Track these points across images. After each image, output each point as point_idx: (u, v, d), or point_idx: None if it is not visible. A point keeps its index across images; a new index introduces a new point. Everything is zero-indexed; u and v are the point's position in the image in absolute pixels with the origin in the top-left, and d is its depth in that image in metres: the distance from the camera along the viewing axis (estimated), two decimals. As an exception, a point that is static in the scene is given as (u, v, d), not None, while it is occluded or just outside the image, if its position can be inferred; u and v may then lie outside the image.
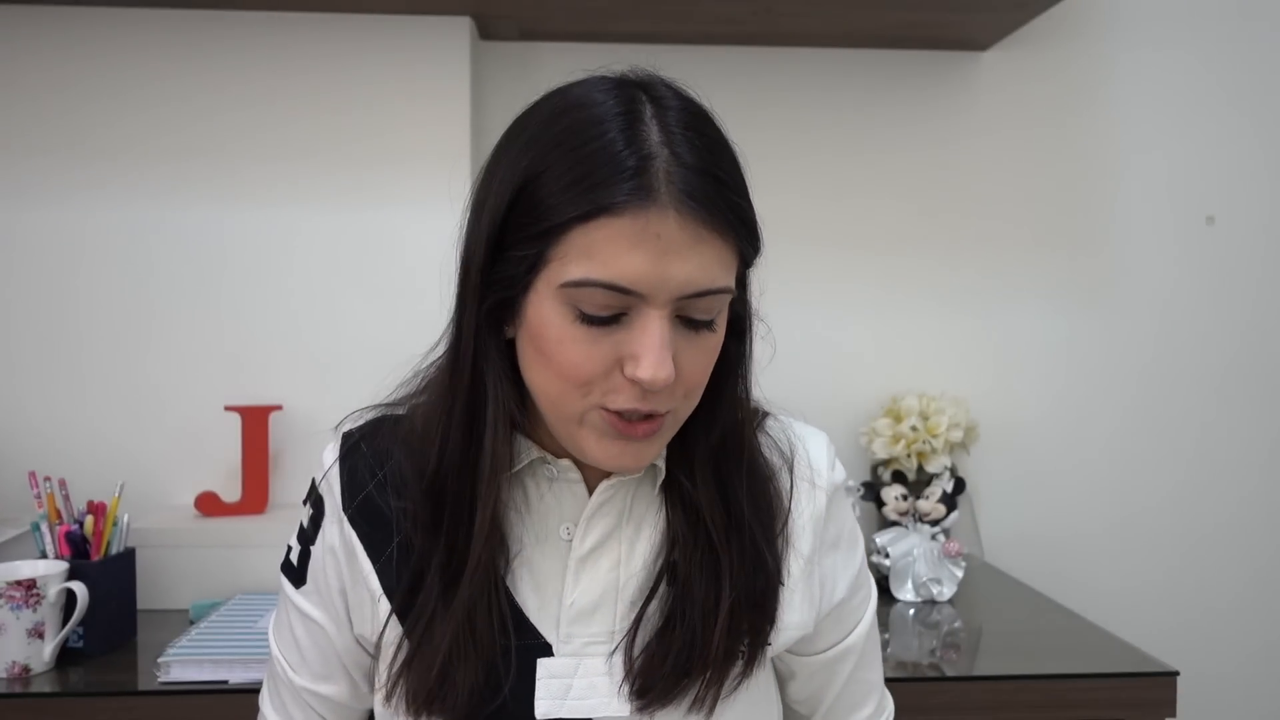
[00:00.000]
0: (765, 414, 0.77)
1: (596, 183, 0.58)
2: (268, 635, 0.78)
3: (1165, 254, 1.69)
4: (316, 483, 0.74)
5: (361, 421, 0.74)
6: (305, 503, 0.75)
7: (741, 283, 0.67)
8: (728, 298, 0.62)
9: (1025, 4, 1.43)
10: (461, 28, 1.50)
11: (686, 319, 0.61)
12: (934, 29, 1.55)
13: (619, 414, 0.61)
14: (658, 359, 0.58)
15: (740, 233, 0.61)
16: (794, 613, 0.72)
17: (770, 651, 0.71)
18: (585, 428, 0.63)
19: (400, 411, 0.73)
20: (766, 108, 1.63)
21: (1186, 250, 1.69)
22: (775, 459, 0.74)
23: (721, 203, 0.59)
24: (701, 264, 0.59)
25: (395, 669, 0.67)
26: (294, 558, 0.75)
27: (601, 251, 0.57)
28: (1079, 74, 1.67)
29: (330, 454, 0.73)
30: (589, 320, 0.59)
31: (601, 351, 0.60)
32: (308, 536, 0.74)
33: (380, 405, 0.75)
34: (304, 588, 0.73)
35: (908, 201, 1.65)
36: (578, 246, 0.58)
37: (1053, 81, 1.66)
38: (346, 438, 0.73)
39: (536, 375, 0.63)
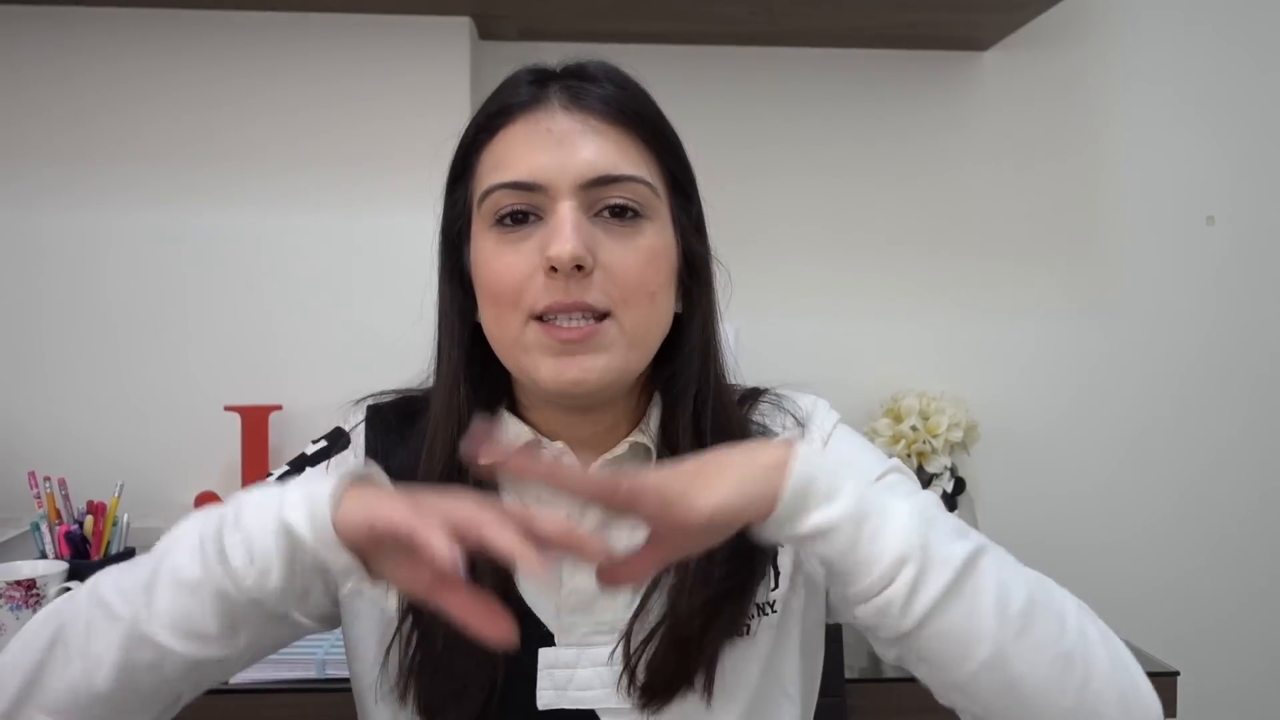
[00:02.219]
0: (760, 391, 0.75)
1: (497, 105, 0.66)
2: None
3: (1165, 254, 1.69)
4: (344, 427, 0.73)
5: (386, 400, 0.75)
6: (317, 440, 0.73)
7: (699, 227, 0.70)
8: (645, 190, 0.64)
9: (1026, 4, 1.43)
10: (461, 28, 1.50)
11: (609, 210, 0.63)
12: (934, 29, 1.55)
13: (552, 324, 0.62)
14: (565, 235, 0.60)
15: (642, 128, 0.64)
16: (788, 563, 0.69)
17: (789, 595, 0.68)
18: (529, 351, 0.63)
19: (419, 393, 0.73)
20: (766, 108, 1.63)
21: (1186, 250, 1.69)
22: (765, 433, 0.71)
23: (613, 99, 0.64)
24: (599, 150, 0.62)
25: (406, 668, 0.65)
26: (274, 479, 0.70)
27: (505, 158, 0.63)
28: (1079, 74, 1.67)
29: (356, 415, 0.73)
30: (505, 224, 0.63)
31: (523, 256, 0.62)
32: (304, 461, 0.71)
33: (400, 390, 0.75)
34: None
35: (908, 201, 1.65)
36: (488, 164, 0.65)
37: (1053, 81, 1.66)
38: (372, 408, 0.74)
39: (485, 315, 0.66)
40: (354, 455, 0.72)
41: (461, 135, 0.69)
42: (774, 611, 0.68)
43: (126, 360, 1.50)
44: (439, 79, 1.50)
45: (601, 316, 0.62)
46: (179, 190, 1.50)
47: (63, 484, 1.23)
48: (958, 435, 1.53)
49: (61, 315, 1.49)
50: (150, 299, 1.50)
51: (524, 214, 0.63)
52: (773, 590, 0.68)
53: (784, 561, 0.69)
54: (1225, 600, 1.70)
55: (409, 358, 0.74)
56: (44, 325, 1.49)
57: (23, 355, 1.49)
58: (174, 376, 1.50)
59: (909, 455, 1.52)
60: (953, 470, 1.53)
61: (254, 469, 1.43)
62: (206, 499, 1.41)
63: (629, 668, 0.65)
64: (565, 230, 0.60)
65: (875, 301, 1.65)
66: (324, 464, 0.72)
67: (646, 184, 0.64)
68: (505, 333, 0.64)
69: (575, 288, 0.61)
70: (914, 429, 1.53)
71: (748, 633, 0.67)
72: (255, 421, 1.44)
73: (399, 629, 0.66)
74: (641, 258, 0.63)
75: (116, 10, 1.48)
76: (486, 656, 0.62)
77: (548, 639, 0.67)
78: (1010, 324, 1.67)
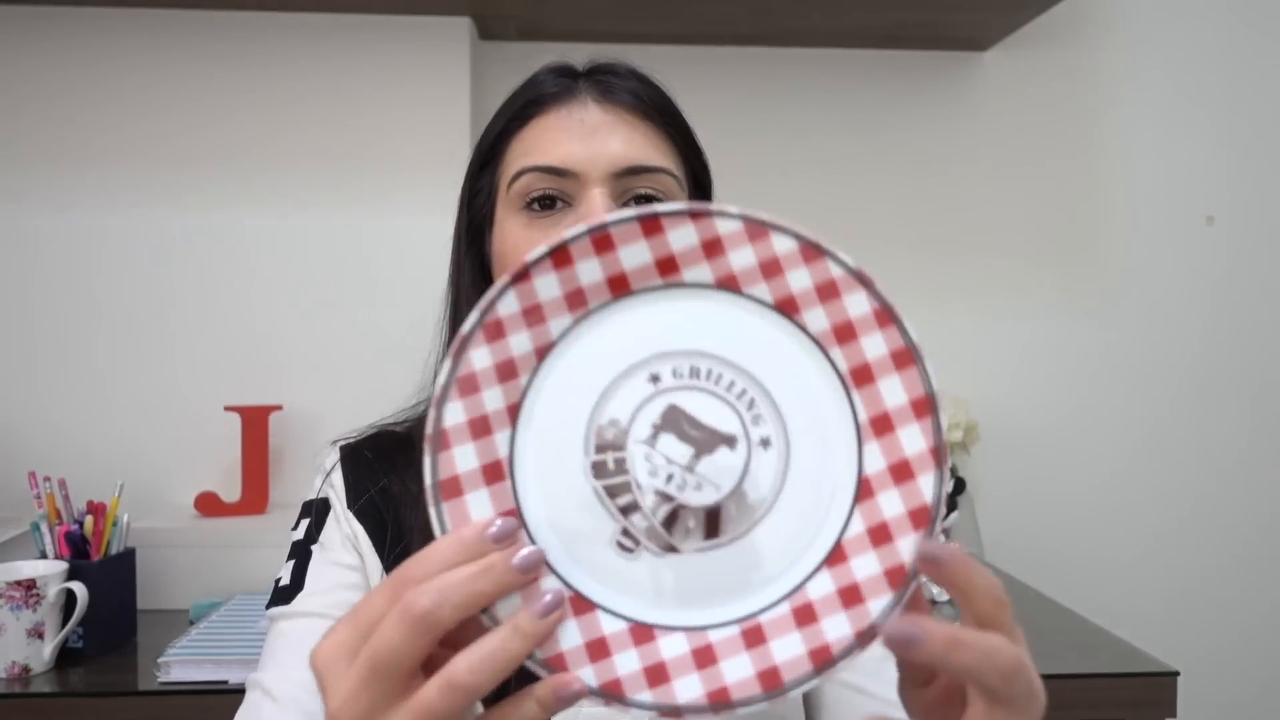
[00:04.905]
0: None
1: (529, 96, 0.67)
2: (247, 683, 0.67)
3: (1165, 254, 1.69)
4: (311, 497, 0.74)
5: (359, 436, 0.75)
6: (296, 525, 0.73)
7: None
8: (671, 182, 0.66)
9: (1026, 4, 1.43)
10: (461, 28, 1.50)
11: (636, 200, 0.65)
12: (934, 29, 1.55)
13: None
14: (596, 218, 0.62)
15: (669, 124, 0.67)
16: None
17: None
18: None
19: (398, 428, 0.73)
20: (766, 108, 1.63)
21: (1186, 251, 1.69)
22: None
23: (642, 94, 0.66)
24: (629, 141, 0.64)
25: None
26: (286, 578, 0.70)
27: (536, 144, 0.65)
28: (1079, 74, 1.67)
29: (331, 458, 0.74)
30: (534, 208, 0.64)
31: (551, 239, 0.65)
32: (304, 545, 0.72)
33: (376, 423, 0.75)
34: (302, 593, 0.69)
35: (908, 201, 1.65)
36: (517, 150, 0.66)
37: (1053, 81, 1.66)
38: (345, 446, 0.74)
39: None
40: (337, 500, 0.71)
41: (490, 123, 0.70)
42: None
43: (126, 360, 1.50)
44: (439, 79, 1.50)
45: None
46: (179, 190, 1.50)
47: (63, 484, 1.23)
48: (958, 435, 1.53)
49: (61, 315, 1.49)
50: (150, 299, 1.50)
51: (553, 199, 0.64)
52: None
53: None
54: (1225, 600, 1.70)
55: (409, 357, 0.74)
56: (44, 325, 1.49)
57: (22, 355, 1.49)
58: (174, 377, 1.50)
59: (909, 455, 1.52)
60: (953, 470, 1.53)
61: (254, 469, 1.43)
62: (206, 499, 1.41)
63: None
64: (597, 214, 0.61)
65: (875, 301, 1.65)
66: (319, 542, 0.71)
67: (674, 176, 0.66)
68: None
69: None
70: (914, 429, 1.53)
71: None
72: (255, 421, 1.44)
73: None
74: None
75: (115, 10, 1.48)
76: None
77: None
78: (1010, 324, 1.67)
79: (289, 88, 1.50)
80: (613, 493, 0.42)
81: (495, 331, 0.43)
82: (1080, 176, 1.68)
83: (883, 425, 0.43)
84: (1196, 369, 1.70)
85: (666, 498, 0.41)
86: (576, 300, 0.43)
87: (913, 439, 0.42)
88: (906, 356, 0.43)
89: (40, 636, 1.11)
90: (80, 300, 1.50)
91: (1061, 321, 1.68)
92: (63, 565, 1.16)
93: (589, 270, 0.43)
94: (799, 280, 0.43)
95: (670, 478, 0.42)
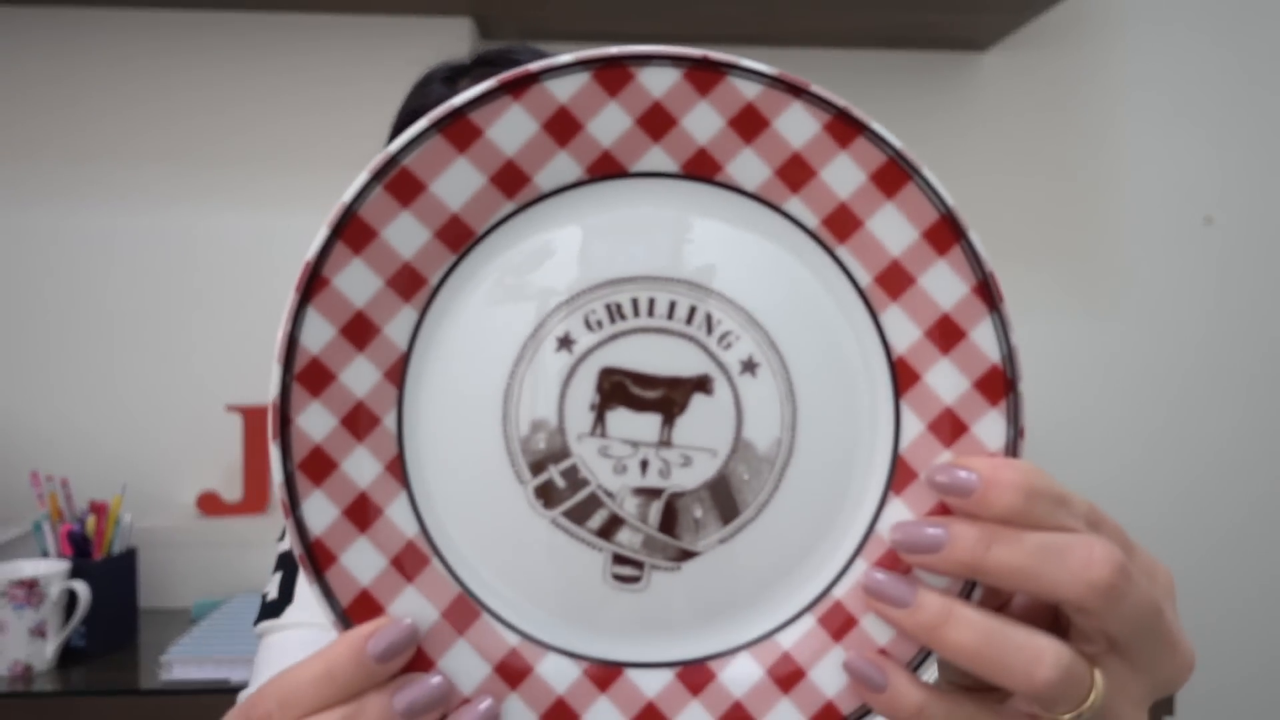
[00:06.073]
0: None
1: (408, 111, 0.68)
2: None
3: (1164, 254, 1.69)
4: None
5: None
6: (283, 536, 0.71)
7: None
8: None
9: (1026, 4, 1.43)
10: (461, 28, 1.50)
11: None
12: (934, 29, 1.55)
13: None
14: None
15: None
16: None
17: None
18: None
19: None
20: (767, 108, 1.63)
21: (1186, 251, 1.69)
22: None
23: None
24: None
25: None
26: (274, 592, 0.68)
27: None
28: (1079, 74, 1.67)
29: None
30: None
31: None
32: (291, 556, 0.69)
33: None
34: (292, 605, 0.67)
35: (908, 201, 1.66)
36: None
37: (1053, 82, 1.67)
38: None
39: None
40: None
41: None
42: None
43: (129, 360, 1.50)
44: (440, 79, 1.50)
45: None
46: (181, 191, 1.50)
47: (65, 484, 1.24)
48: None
49: (64, 315, 1.50)
50: (152, 298, 1.51)
51: None
52: None
53: None
54: (1225, 600, 1.71)
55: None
56: (46, 325, 1.50)
57: (25, 355, 1.50)
58: (176, 376, 1.51)
59: (909, 455, 1.52)
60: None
61: (256, 469, 1.43)
62: (208, 498, 1.42)
63: None
64: None
65: (875, 301, 1.65)
66: None
67: None
68: None
69: None
70: (914, 428, 1.53)
71: None
72: (257, 421, 1.44)
73: None
74: None
75: (119, 11, 1.48)
76: None
77: None
78: (1010, 324, 1.67)
79: (288, 88, 1.50)
80: (578, 516, 0.31)
81: (316, 377, 0.32)
82: (1079, 177, 1.68)
83: (894, 279, 0.31)
84: (1195, 370, 1.70)
85: (651, 492, 0.31)
86: (407, 281, 0.32)
87: (943, 282, 0.31)
88: (893, 173, 0.32)
89: (42, 635, 1.12)
90: (82, 300, 1.50)
91: (1060, 322, 1.68)
92: (65, 564, 1.16)
93: (405, 232, 0.31)
94: (700, 122, 0.30)
95: (645, 465, 0.31)
